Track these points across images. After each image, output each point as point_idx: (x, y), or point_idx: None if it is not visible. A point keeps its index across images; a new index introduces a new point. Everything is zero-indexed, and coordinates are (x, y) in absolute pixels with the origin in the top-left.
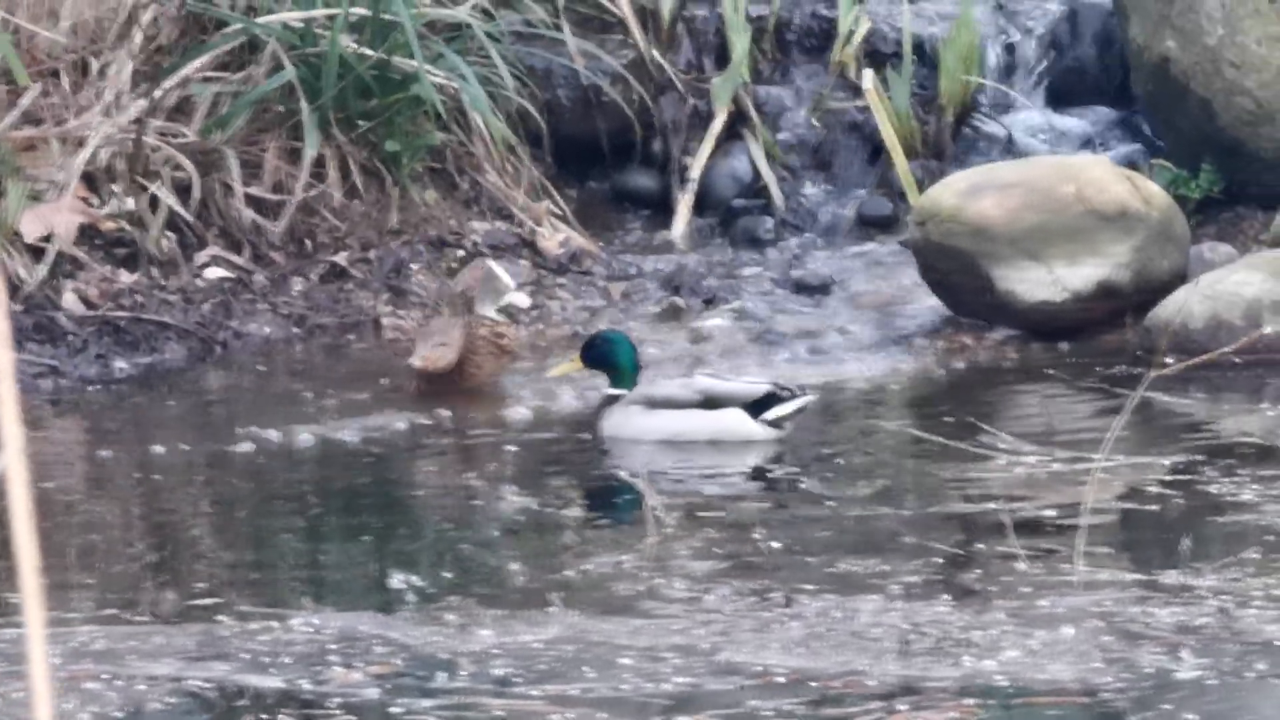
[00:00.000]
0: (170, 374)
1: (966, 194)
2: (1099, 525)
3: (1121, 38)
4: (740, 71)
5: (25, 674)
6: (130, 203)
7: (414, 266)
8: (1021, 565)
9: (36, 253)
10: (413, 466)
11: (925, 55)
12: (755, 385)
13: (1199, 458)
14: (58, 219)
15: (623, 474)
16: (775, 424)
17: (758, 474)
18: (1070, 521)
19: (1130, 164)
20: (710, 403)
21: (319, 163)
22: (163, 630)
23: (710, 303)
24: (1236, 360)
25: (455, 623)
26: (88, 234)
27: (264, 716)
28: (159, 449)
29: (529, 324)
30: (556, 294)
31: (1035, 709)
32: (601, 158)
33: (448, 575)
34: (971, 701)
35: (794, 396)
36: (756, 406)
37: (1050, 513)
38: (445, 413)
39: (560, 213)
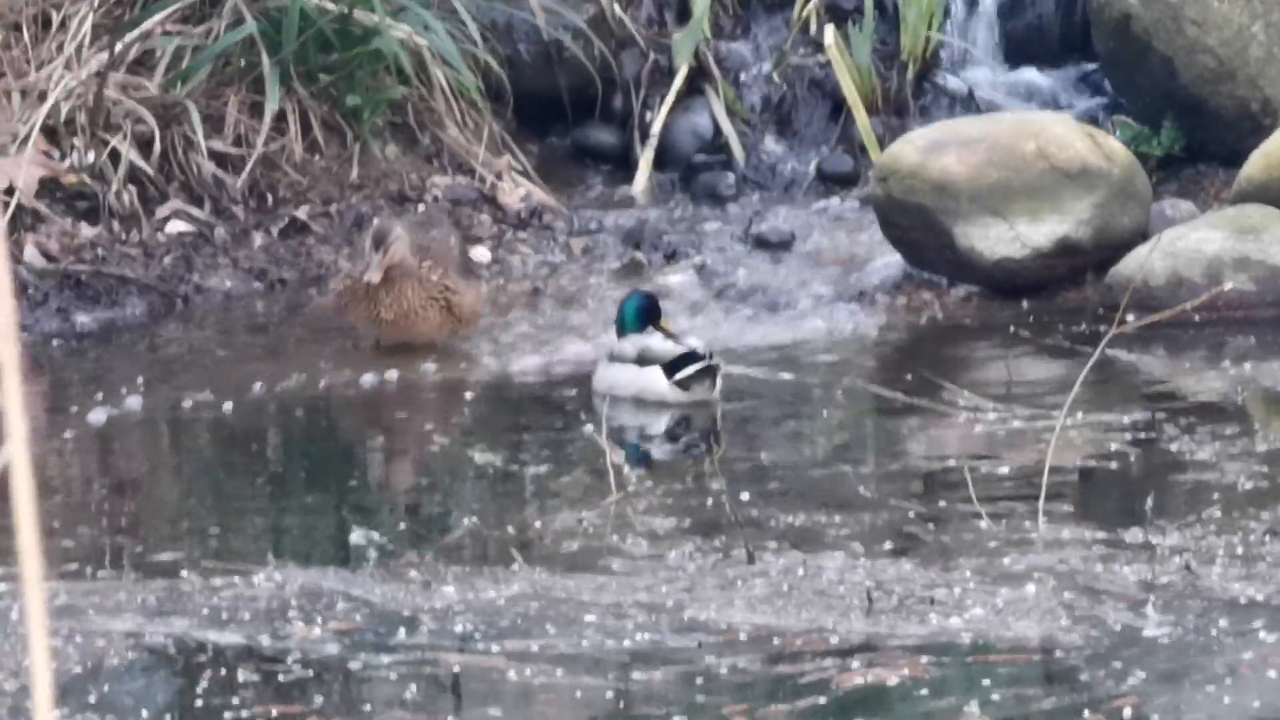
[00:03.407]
0: (131, 328)
1: (928, 150)
2: (1060, 483)
3: None
4: (701, 27)
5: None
6: (91, 156)
7: (375, 221)
8: (984, 523)
9: None
10: (376, 422)
11: (887, 11)
12: (677, 346)
13: (1160, 415)
14: (18, 172)
15: (587, 430)
16: (683, 385)
17: (719, 431)
18: (1031, 479)
19: (1092, 121)
20: (642, 359)
21: (280, 117)
22: (124, 586)
23: (671, 258)
24: (1197, 318)
25: (418, 579)
26: (49, 187)
27: (223, 672)
28: (122, 404)
29: (489, 279)
30: (517, 249)
31: (989, 666)
32: (562, 113)
33: (411, 532)
34: (925, 659)
35: (705, 360)
36: (674, 366)
37: (1011, 470)
38: (408, 368)
39: (521, 168)
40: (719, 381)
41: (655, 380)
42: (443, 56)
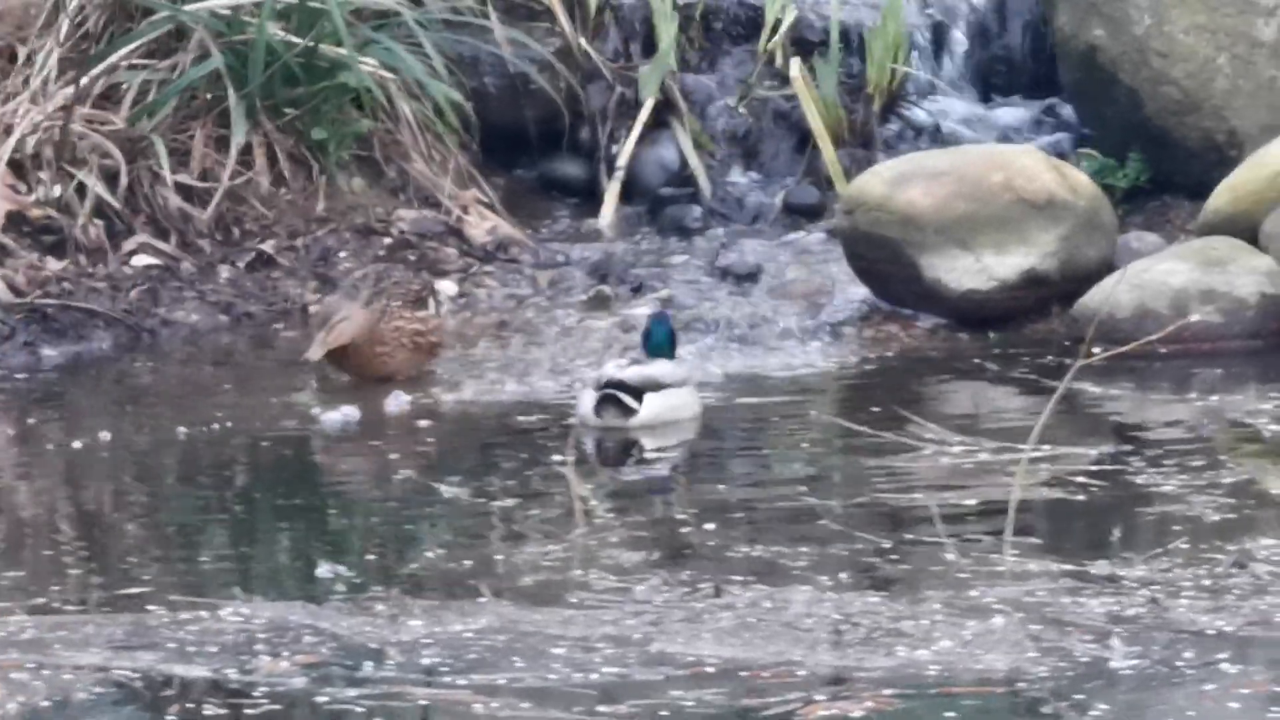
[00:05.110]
0: (98, 362)
1: (894, 182)
2: (1027, 515)
3: (1049, 26)
4: (668, 60)
5: None
6: (57, 190)
7: (341, 254)
8: (950, 555)
9: None
10: (344, 456)
11: (853, 43)
12: (614, 374)
13: (1126, 448)
14: None
15: (554, 462)
16: (597, 411)
17: (685, 463)
18: (998, 512)
19: (1058, 153)
20: (594, 385)
21: (246, 150)
22: (92, 619)
23: (638, 291)
24: (1163, 350)
25: (385, 613)
26: (15, 221)
27: (190, 706)
28: (88, 438)
29: (456, 312)
30: (484, 282)
31: (954, 699)
32: (529, 146)
33: (379, 565)
34: (890, 692)
35: (615, 389)
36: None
37: (978, 503)
38: (375, 400)
39: (487, 200)
40: (644, 410)
41: (585, 407)
42: (419, 82)
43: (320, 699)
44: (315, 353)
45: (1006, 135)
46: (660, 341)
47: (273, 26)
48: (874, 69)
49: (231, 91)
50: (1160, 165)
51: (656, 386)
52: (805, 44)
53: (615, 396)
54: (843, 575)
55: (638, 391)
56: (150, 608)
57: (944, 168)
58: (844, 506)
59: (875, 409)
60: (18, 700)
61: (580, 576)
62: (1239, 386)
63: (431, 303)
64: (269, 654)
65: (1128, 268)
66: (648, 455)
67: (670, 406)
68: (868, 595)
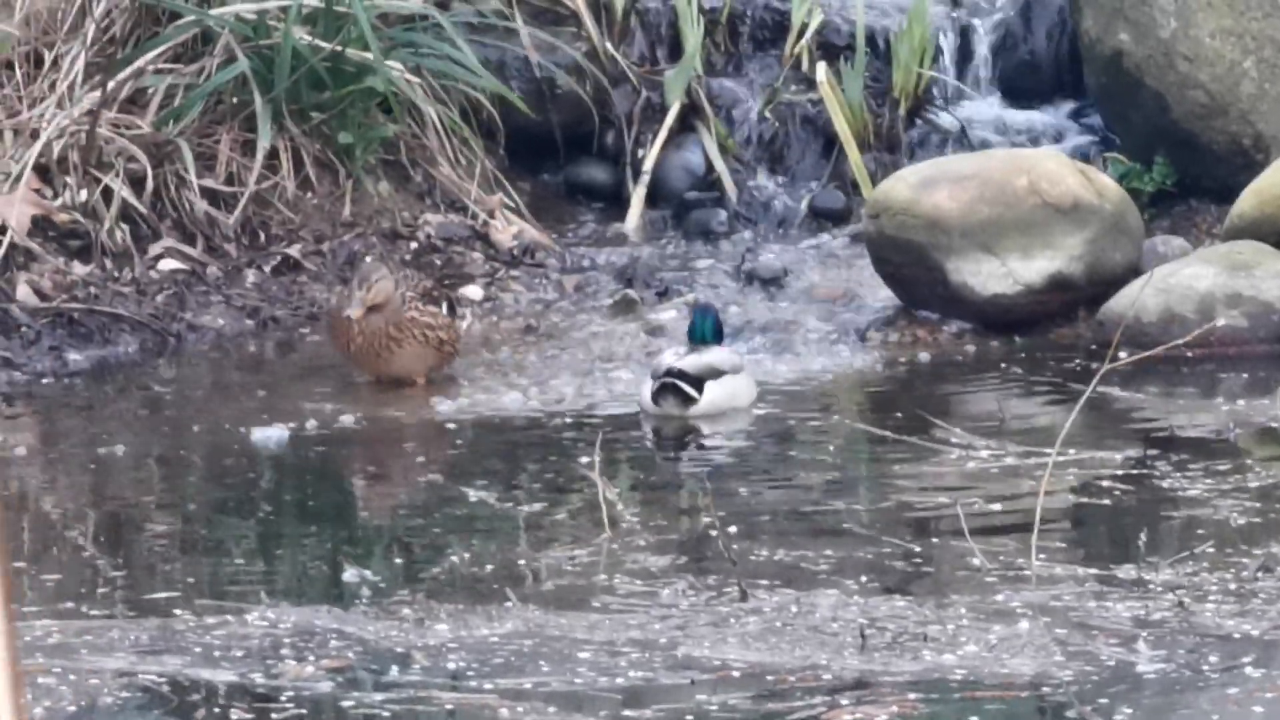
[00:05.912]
0: (124, 366)
1: (920, 186)
2: (1053, 520)
3: (1075, 30)
4: (693, 64)
5: None
6: (84, 194)
7: (367, 259)
8: (977, 560)
9: None
10: (369, 460)
11: (879, 48)
12: (672, 363)
13: (1153, 452)
14: (11, 210)
15: (580, 464)
16: (655, 400)
17: (711, 467)
18: (1024, 516)
19: (1083, 157)
20: (653, 374)
21: (272, 154)
22: (118, 624)
23: (664, 295)
24: (1189, 354)
25: (411, 617)
26: (41, 226)
27: (216, 710)
28: (114, 443)
29: (482, 316)
30: (510, 286)
31: (979, 703)
32: (554, 150)
33: (404, 570)
34: (915, 696)
35: (675, 378)
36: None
37: (1004, 507)
38: (400, 406)
39: (513, 205)
40: (704, 398)
41: (645, 394)
42: (469, 68)
43: (346, 703)
44: (355, 310)
45: (1032, 139)
46: (705, 333)
47: (299, 31)
48: (900, 73)
49: (257, 96)
50: (1186, 169)
51: (715, 374)
52: (831, 48)
53: (675, 385)
54: (868, 579)
55: (697, 380)
56: (176, 612)
57: (969, 171)
58: (869, 510)
59: (900, 413)
60: (44, 705)
61: (606, 581)
62: (1265, 390)
63: (445, 305)
64: (295, 658)
65: (1154, 272)
66: (672, 459)
67: (729, 394)
68: (893, 599)
